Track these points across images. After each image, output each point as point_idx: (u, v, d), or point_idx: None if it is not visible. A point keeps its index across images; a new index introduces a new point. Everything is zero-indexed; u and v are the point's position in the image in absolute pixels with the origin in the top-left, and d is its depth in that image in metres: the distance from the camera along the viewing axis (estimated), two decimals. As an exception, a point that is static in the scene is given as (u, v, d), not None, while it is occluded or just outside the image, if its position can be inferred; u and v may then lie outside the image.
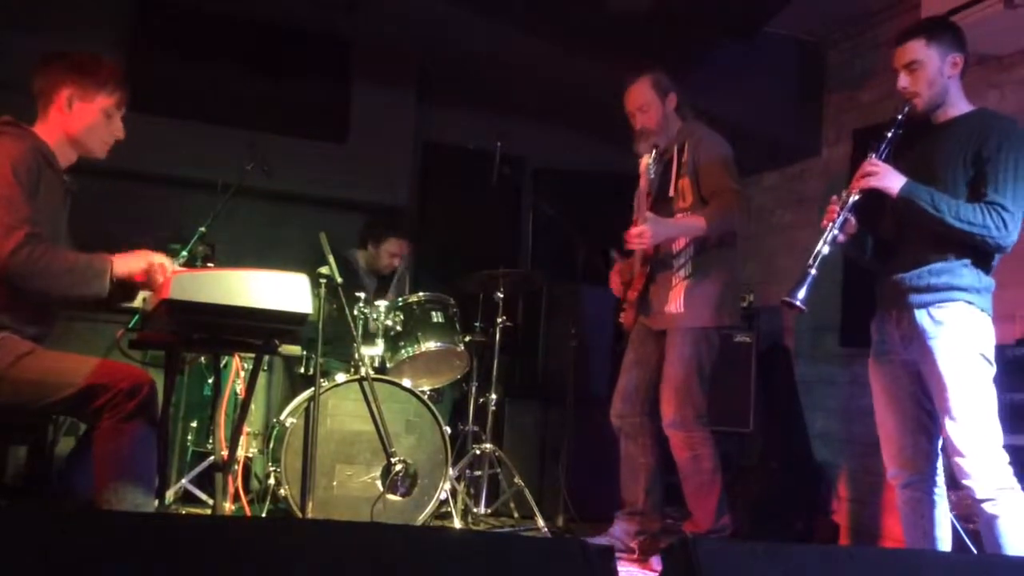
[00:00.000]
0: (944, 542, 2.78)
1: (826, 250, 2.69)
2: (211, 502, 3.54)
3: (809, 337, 4.85)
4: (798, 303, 2.65)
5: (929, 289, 2.67)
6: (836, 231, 2.70)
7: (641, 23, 4.29)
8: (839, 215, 2.70)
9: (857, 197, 2.70)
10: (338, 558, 1.45)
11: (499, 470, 4.26)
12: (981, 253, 2.65)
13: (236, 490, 3.57)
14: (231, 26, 4.86)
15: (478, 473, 4.29)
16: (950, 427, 2.59)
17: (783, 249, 5.11)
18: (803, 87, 4.94)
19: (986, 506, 2.57)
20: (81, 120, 2.62)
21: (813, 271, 2.66)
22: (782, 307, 2.71)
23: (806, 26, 4.77)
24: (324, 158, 5.01)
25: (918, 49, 2.71)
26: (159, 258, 2.50)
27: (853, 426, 4.48)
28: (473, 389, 4.41)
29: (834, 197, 2.76)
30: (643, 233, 3.46)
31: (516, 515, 4.28)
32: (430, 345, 3.93)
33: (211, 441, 3.76)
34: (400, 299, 4.06)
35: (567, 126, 5.63)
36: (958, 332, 2.62)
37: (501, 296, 4.25)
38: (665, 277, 3.64)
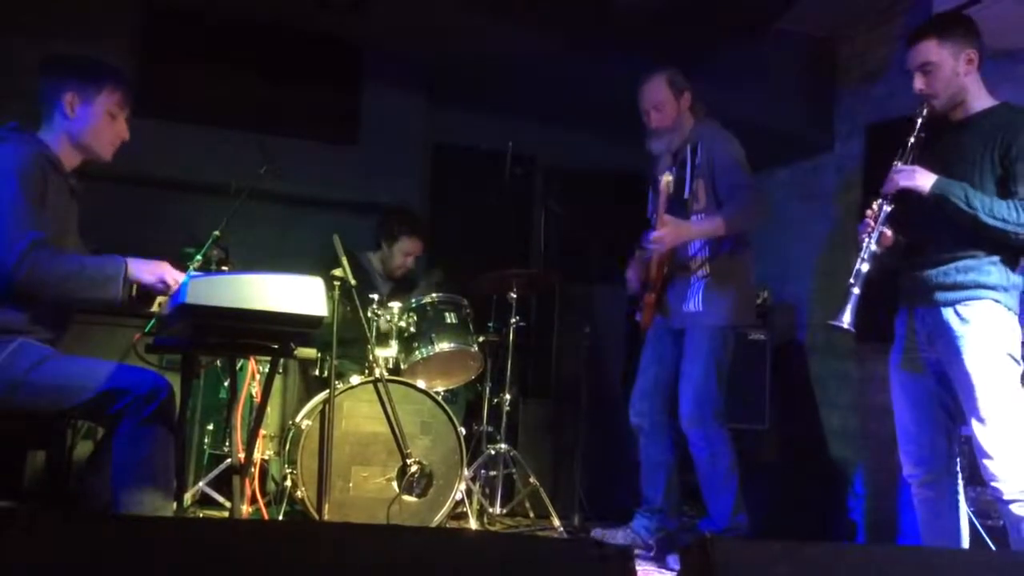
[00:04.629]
0: (962, 542, 2.74)
1: (865, 267, 2.63)
2: (228, 505, 3.55)
3: (823, 334, 4.83)
4: (846, 326, 2.60)
5: (956, 287, 2.62)
6: (873, 247, 2.65)
7: (650, 21, 4.29)
8: (874, 229, 2.65)
9: (889, 208, 2.66)
10: (355, 560, 1.46)
11: (514, 470, 4.26)
12: (1010, 251, 2.60)
13: (253, 493, 3.59)
14: (240, 31, 4.87)
15: (493, 473, 4.29)
16: (977, 428, 2.55)
17: (796, 245, 5.09)
18: (815, 82, 4.92)
19: (1014, 507, 2.52)
20: (85, 123, 2.62)
21: (856, 290, 2.61)
22: (830, 330, 2.66)
23: (817, 21, 4.74)
24: (335, 161, 5.03)
25: (930, 50, 2.66)
26: (176, 276, 2.50)
27: (868, 422, 4.45)
28: (487, 389, 4.40)
29: (868, 211, 2.70)
30: (660, 238, 3.50)
31: (532, 515, 4.28)
32: (444, 346, 3.93)
33: (228, 444, 3.76)
34: (414, 300, 4.06)
35: (578, 126, 5.62)
36: (985, 331, 2.57)
37: (514, 296, 4.24)
38: (683, 277, 3.65)
